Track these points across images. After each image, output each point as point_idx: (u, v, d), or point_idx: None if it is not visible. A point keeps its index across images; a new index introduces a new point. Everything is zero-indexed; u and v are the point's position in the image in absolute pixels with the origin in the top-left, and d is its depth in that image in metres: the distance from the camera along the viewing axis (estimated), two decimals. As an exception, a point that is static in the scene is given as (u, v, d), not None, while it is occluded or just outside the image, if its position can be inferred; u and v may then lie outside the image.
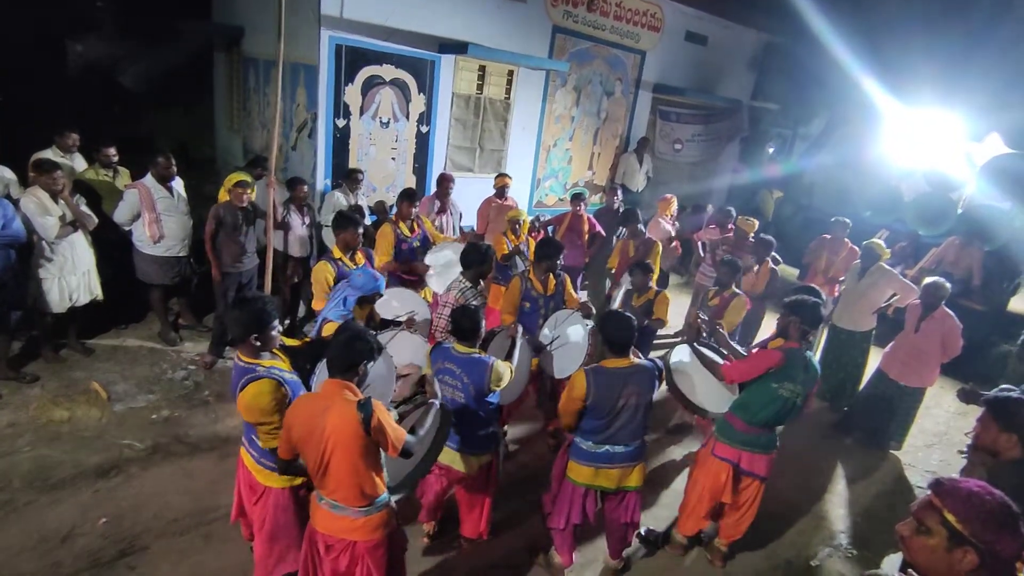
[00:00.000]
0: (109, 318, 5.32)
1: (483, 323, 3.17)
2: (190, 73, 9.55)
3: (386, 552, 2.46)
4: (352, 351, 2.36)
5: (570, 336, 3.97)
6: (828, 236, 6.51)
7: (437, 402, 2.70)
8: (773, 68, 10.76)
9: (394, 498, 2.54)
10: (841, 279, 6.35)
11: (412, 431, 2.44)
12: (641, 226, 5.98)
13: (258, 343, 2.50)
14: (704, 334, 3.87)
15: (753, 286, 5.65)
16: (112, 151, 5.25)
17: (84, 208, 4.53)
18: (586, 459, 3.08)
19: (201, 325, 5.63)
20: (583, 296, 6.26)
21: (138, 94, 9.92)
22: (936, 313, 4.79)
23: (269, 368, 2.51)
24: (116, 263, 5.14)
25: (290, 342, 2.86)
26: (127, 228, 4.87)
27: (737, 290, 4.98)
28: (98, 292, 4.80)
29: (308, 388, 2.78)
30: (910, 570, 1.71)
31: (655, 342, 5.48)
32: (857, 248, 6.41)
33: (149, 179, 4.80)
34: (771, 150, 11.85)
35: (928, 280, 4.89)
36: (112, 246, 5.04)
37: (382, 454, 2.38)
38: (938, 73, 7.58)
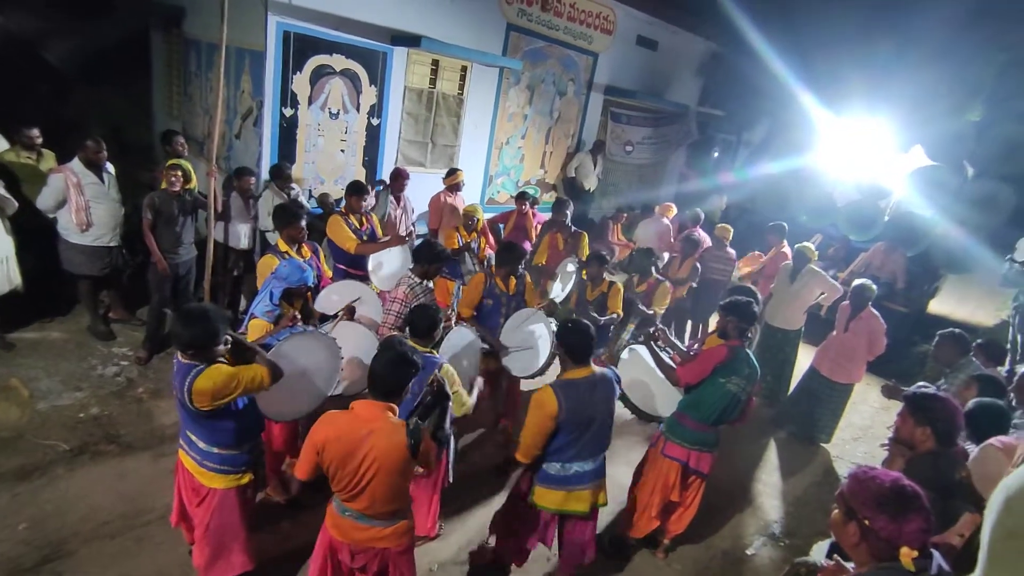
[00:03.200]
0: (32, 310, 4.99)
1: (440, 323, 3.15)
2: (125, 52, 9.01)
3: (412, 555, 2.53)
4: (398, 374, 2.31)
5: (533, 335, 4.01)
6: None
7: (450, 403, 2.72)
8: (719, 76, 11.10)
9: None
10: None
11: (435, 440, 2.49)
12: (568, 219, 6.05)
13: (201, 355, 2.41)
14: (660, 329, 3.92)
15: (675, 280, 5.90)
16: (35, 132, 4.92)
17: (2, 192, 4.23)
18: (556, 483, 2.88)
19: (134, 319, 5.36)
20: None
21: (66, 72, 9.31)
22: (863, 313, 5.09)
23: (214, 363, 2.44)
24: (39, 251, 4.82)
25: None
26: (51, 215, 4.58)
27: (659, 276, 5.18)
28: (18, 282, 4.50)
29: None
30: (835, 556, 1.84)
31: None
32: (787, 251, 6.75)
33: (76, 163, 4.53)
34: (716, 155, 12.25)
35: (856, 282, 5.20)
36: (35, 233, 4.73)
37: None
38: (864, 87, 8.04)
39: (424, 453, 2.26)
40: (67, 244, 4.65)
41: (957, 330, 4.26)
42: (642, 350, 3.91)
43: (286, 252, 3.81)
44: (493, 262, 4.94)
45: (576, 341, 2.83)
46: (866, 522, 1.61)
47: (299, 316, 3.32)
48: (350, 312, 3.52)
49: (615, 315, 4.68)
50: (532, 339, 4.02)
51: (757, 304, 3.57)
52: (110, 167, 4.80)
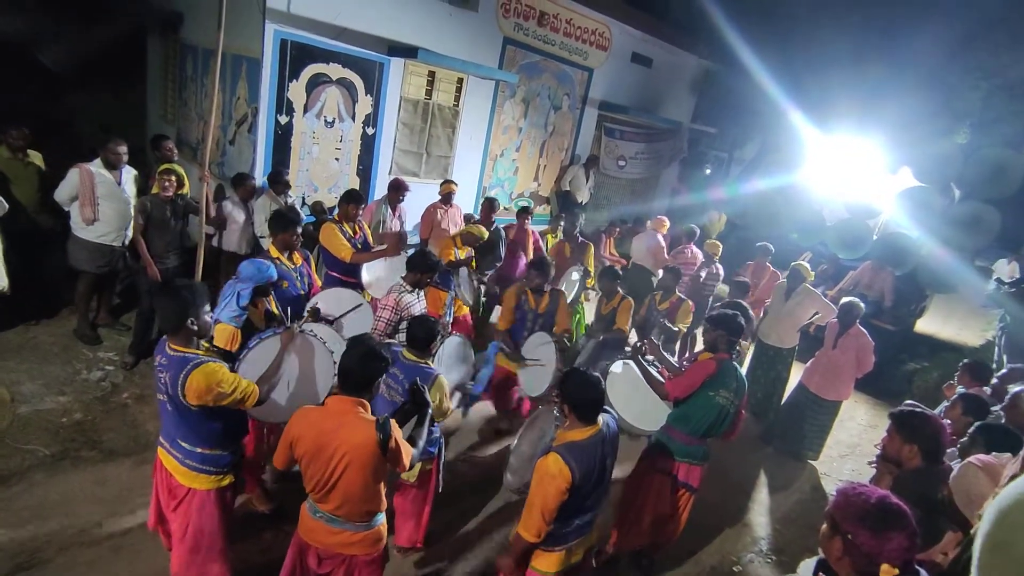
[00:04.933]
0: (17, 312, 4.91)
1: (439, 335, 3.14)
2: (120, 55, 9.00)
3: (381, 567, 2.50)
4: (368, 369, 2.30)
5: (543, 359, 4.11)
6: (752, 263, 6.95)
7: (429, 409, 2.66)
8: (712, 93, 11.26)
9: None
10: (767, 301, 6.74)
11: (412, 442, 2.43)
12: (578, 230, 6.22)
13: (195, 327, 2.41)
14: (649, 343, 3.94)
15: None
16: (24, 132, 4.89)
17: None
18: (559, 543, 2.55)
19: (119, 324, 5.29)
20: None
21: (60, 74, 9.26)
22: (851, 330, 5.12)
23: (207, 356, 2.43)
24: (29, 252, 4.77)
25: None
26: (66, 209, 4.61)
27: (681, 295, 5.26)
28: (4, 283, 4.43)
29: None
30: (821, 573, 1.84)
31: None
32: (779, 272, 6.83)
33: (97, 163, 4.57)
34: (708, 171, 12.38)
35: (844, 300, 5.24)
36: (22, 235, 4.68)
37: None
38: (855, 108, 8.19)
39: (394, 451, 2.22)
40: (74, 239, 4.66)
41: None
42: (633, 364, 3.92)
43: (277, 258, 3.79)
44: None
45: (583, 398, 2.44)
46: (849, 536, 1.62)
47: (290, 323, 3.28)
48: (314, 314, 3.47)
49: (620, 331, 4.73)
50: (542, 362, 4.13)
51: (744, 317, 3.60)
52: (131, 169, 4.81)
